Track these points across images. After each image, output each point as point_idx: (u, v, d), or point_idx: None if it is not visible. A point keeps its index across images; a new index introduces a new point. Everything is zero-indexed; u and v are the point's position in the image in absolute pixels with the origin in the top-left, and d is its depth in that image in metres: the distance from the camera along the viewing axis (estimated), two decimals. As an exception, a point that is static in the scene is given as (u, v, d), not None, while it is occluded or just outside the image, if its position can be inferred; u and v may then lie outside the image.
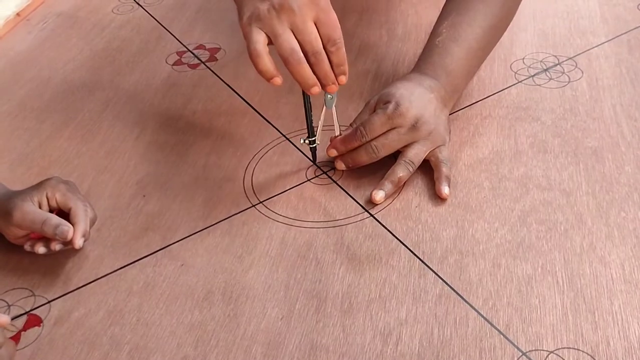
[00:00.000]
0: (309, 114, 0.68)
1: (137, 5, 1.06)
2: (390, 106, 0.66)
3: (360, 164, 0.68)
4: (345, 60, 0.61)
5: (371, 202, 0.66)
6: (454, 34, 0.72)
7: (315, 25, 0.59)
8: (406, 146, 0.67)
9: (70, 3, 1.08)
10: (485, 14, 0.73)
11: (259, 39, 0.59)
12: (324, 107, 0.67)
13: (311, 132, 0.69)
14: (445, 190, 0.66)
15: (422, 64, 0.72)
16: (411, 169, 0.67)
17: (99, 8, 1.06)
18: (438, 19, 0.75)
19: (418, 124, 0.66)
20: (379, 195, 0.65)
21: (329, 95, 0.65)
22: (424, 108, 0.67)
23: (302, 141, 0.70)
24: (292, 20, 0.59)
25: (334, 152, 0.69)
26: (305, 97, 0.66)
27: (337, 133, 0.70)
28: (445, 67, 0.71)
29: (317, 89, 0.61)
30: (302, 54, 0.59)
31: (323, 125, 0.69)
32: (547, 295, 0.56)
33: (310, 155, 0.72)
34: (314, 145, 0.70)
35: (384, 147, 0.67)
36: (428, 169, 0.69)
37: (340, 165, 0.69)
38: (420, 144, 0.67)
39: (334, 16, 0.60)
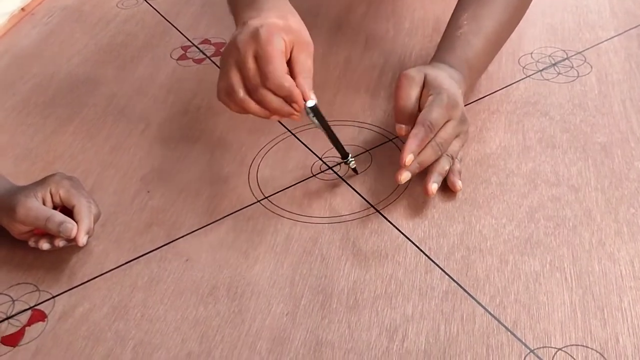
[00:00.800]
0: (332, 135, 0.64)
1: (142, -1, 1.06)
2: (445, 97, 0.63)
3: (425, 166, 0.63)
4: (289, 94, 0.59)
5: (377, 192, 0.65)
6: (475, 27, 0.71)
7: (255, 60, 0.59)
8: None
9: (75, -3, 1.08)
10: (503, 7, 0.72)
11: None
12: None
13: (343, 152, 0.67)
14: (459, 183, 0.65)
15: (445, 54, 0.70)
16: (451, 163, 0.65)
17: (103, 2, 1.06)
18: (456, 9, 0.74)
19: (463, 117, 0.65)
20: (433, 186, 0.63)
21: (310, 114, 0.62)
22: (462, 102, 0.66)
23: (349, 162, 0.67)
24: (235, 57, 0.60)
25: (411, 158, 0.61)
26: (328, 131, 0.64)
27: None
28: (467, 60, 0.70)
29: (276, 118, 0.62)
30: (239, 93, 0.60)
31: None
32: (555, 292, 0.56)
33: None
34: (351, 161, 0.67)
35: (445, 142, 0.64)
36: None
37: (406, 175, 0.62)
38: (458, 140, 0.65)
39: (271, 49, 0.58)
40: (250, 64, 0.59)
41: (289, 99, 0.60)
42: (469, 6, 0.73)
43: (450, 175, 0.65)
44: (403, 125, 0.65)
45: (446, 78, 0.66)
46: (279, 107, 0.60)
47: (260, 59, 0.59)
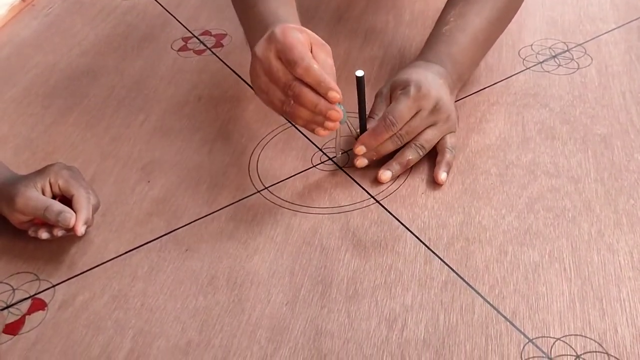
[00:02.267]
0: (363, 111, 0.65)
1: (142, -9, 1.05)
2: (412, 89, 0.64)
3: (383, 155, 0.66)
4: (319, 78, 0.58)
5: (377, 182, 0.66)
6: (461, 24, 0.71)
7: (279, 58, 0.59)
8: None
9: (76, -11, 1.08)
10: (493, 5, 0.72)
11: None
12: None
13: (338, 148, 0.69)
14: (442, 176, 0.65)
15: (428, 51, 0.71)
16: (421, 153, 0.66)
17: (104, -6, 1.06)
18: (445, 6, 0.74)
19: (438, 105, 0.65)
20: (385, 174, 0.65)
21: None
22: (440, 91, 0.66)
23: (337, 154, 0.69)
24: (259, 67, 0.60)
25: (362, 150, 0.65)
26: (362, 106, 0.65)
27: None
28: (451, 55, 0.70)
29: (321, 131, 0.61)
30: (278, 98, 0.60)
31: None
32: (554, 282, 0.56)
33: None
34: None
35: (408, 134, 0.65)
36: (435, 156, 0.68)
37: (362, 162, 0.66)
38: (434, 129, 0.66)
39: (290, 40, 0.58)
40: (275, 64, 0.58)
41: (320, 85, 0.58)
42: (457, 4, 0.73)
43: (436, 166, 0.66)
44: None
45: (417, 71, 0.67)
46: (315, 100, 0.58)
47: (282, 53, 0.58)
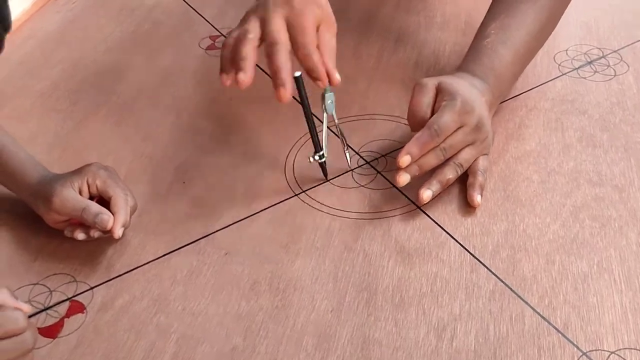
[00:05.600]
0: (312, 126, 0.64)
1: (166, -13, 1.04)
2: (458, 102, 0.62)
3: (426, 170, 0.63)
4: (315, 66, 0.58)
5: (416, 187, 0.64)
6: (503, 37, 0.69)
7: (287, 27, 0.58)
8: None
9: (98, -17, 1.06)
10: (534, 18, 0.71)
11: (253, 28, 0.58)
12: (325, 113, 0.64)
13: (318, 146, 0.65)
14: (478, 198, 0.63)
15: (470, 64, 0.69)
16: (459, 172, 0.64)
17: (127, -11, 1.04)
18: (485, 18, 0.73)
19: (480, 124, 0.64)
20: (426, 194, 0.62)
21: (328, 100, 0.63)
22: (482, 109, 0.65)
23: (310, 160, 0.65)
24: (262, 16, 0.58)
25: (408, 160, 0.61)
26: (306, 107, 0.64)
27: (344, 146, 0.67)
28: (494, 69, 0.68)
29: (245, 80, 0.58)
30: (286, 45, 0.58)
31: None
32: (604, 293, 0.55)
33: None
34: (323, 159, 0.66)
35: (451, 148, 0.63)
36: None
37: (405, 178, 0.61)
38: (472, 148, 0.64)
39: (305, 20, 0.58)
40: (279, 24, 0.58)
41: (311, 72, 0.59)
42: (498, 16, 0.71)
43: (470, 188, 0.64)
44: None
45: (464, 85, 0.65)
46: (284, 65, 0.57)
47: (292, 28, 0.58)
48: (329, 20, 0.61)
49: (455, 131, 0.63)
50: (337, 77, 0.60)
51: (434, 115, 0.63)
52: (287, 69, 0.57)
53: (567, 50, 0.83)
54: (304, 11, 0.58)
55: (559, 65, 0.81)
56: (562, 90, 0.77)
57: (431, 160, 0.63)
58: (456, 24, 0.89)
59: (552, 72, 0.80)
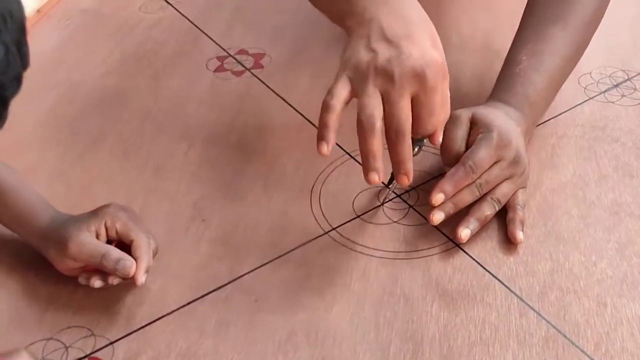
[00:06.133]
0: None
1: (166, 3, 0.99)
2: (494, 135, 0.59)
3: (462, 207, 0.60)
4: (405, 158, 0.53)
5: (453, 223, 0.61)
6: (535, 63, 0.66)
7: (412, 104, 0.53)
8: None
9: (92, -1, 1.01)
10: (565, 42, 0.68)
11: (341, 94, 0.53)
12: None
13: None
14: (520, 235, 0.60)
15: (503, 93, 0.66)
16: (497, 208, 0.61)
17: (124, 6, 0.99)
18: (514, 44, 0.69)
19: (517, 157, 0.61)
20: (464, 233, 0.59)
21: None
22: (519, 141, 0.62)
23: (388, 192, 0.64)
24: (386, 88, 0.52)
25: (441, 198, 0.58)
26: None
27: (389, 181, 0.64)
28: (528, 98, 0.65)
29: (375, 177, 0.52)
30: (379, 125, 0.52)
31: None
32: (664, 340, 0.52)
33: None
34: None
35: (487, 184, 0.60)
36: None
37: (439, 217, 0.59)
38: (510, 182, 0.61)
39: (437, 99, 0.53)
40: (405, 107, 0.52)
41: (399, 167, 0.54)
42: (528, 42, 0.68)
43: (510, 224, 0.61)
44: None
45: (499, 115, 0.62)
46: (405, 160, 0.53)
47: (422, 107, 0.53)
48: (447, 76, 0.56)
49: (491, 166, 0.60)
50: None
51: (469, 150, 0.60)
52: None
53: (590, 72, 0.81)
54: (436, 89, 0.53)
55: (585, 88, 0.79)
56: (591, 116, 0.75)
57: (466, 198, 0.60)
58: (474, 45, 0.86)
59: (578, 96, 0.77)
